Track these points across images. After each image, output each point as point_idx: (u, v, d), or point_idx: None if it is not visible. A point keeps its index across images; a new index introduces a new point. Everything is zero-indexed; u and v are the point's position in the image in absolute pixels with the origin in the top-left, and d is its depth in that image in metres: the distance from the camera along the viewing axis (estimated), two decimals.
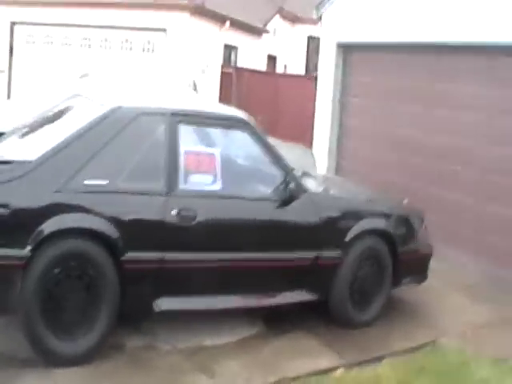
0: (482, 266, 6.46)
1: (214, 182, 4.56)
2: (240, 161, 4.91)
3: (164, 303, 4.38)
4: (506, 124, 6.42)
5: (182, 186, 4.42)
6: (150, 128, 4.44)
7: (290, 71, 23.67)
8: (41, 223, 3.93)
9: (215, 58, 17.23)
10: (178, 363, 4.38)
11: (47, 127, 4.73)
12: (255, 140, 4.81)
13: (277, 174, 4.83)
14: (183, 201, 4.39)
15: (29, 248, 3.89)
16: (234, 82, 16.97)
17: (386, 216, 5.32)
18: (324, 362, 4.63)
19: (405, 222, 5.45)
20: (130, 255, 4.19)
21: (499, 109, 6.48)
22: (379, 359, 4.74)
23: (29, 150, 4.32)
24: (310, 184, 5.09)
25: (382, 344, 4.99)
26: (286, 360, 4.59)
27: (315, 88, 9.29)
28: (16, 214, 3.92)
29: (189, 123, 4.56)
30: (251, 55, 19.89)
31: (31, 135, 4.74)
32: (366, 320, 5.20)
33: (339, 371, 4.51)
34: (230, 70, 17.58)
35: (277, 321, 5.09)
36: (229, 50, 18.62)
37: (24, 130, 4.86)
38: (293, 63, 24.91)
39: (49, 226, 3.94)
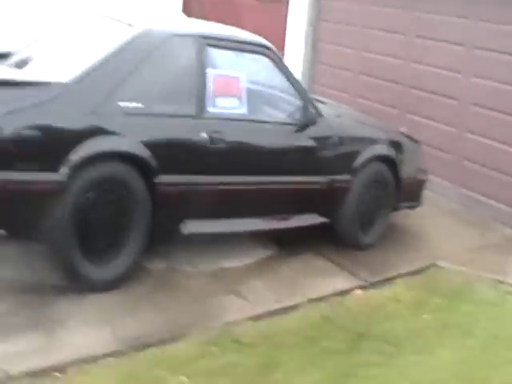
0: (464, 191, 6.72)
1: (240, 105, 4.53)
2: (262, 85, 4.86)
3: (191, 226, 4.37)
4: (485, 57, 6.59)
5: (210, 108, 4.36)
6: (180, 51, 4.32)
7: None
8: (76, 146, 3.77)
9: None
10: (204, 285, 4.43)
11: (70, 47, 4.47)
12: (276, 65, 4.80)
13: (296, 99, 4.87)
14: (212, 123, 4.34)
15: (64, 172, 3.73)
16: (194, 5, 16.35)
17: (390, 143, 5.46)
18: (341, 282, 4.79)
19: (405, 148, 5.59)
20: (163, 178, 4.12)
21: (480, 42, 6.61)
22: (389, 280, 4.95)
23: (56, 70, 4.07)
24: (324, 110, 5.10)
25: (388, 266, 5.18)
26: (305, 280, 4.73)
27: (285, 11, 9.13)
28: (51, 137, 3.74)
29: (216, 47, 4.47)
30: None
31: (51, 55, 4.46)
32: (370, 242, 5.39)
33: (358, 292, 4.70)
34: None
35: (288, 244, 5.17)
36: None
37: (39, 50, 4.57)
38: None
39: (84, 149, 3.79)
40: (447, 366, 3.79)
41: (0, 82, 3.69)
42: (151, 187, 4.09)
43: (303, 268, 4.93)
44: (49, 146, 3.74)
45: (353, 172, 5.11)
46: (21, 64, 4.35)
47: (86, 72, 3.91)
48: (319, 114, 4.91)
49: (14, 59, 4.51)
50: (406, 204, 5.70)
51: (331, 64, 8.52)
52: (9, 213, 3.70)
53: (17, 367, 3.23)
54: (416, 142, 5.82)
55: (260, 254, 4.99)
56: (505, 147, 6.43)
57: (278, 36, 8.96)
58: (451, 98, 6.89)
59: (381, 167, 5.33)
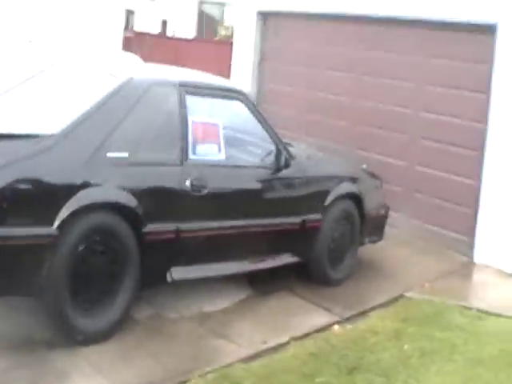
0: (416, 222, 7.04)
1: (218, 151, 4.64)
2: (238, 130, 4.99)
3: (177, 273, 4.42)
4: (434, 93, 7.00)
5: (192, 156, 4.46)
6: (161, 99, 4.41)
7: (179, 35, 23.14)
8: (68, 198, 3.78)
9: (116, 22, 16.52)
10: (192, 330, 4.47)
11: (50, 96, 4.47)
12: (250, 110, 4.96)
13: (269, 143, 5.03)
14: (194, 171, 4.43)
15: (57, 225, 3.72)
16: (135, 46, 16.50)
17: (356, 180, 5.70)
18: (318, 319, 4.92)
19: (369, 185, 5.85)
20: (150, 227, 4.16)
21: (428, 79, 7.03)
22: (363, 314, 5.13)
23: (41, 122, 4.07)
24: (295, 153, 5.28)
25: (359, 300, 5.36)
26: (284, 319, 4.84)
27: (224, 52, 9.38)
28: (44, 190, 3.74)
29: (194, 94, 4.58)
30: (146, 19, 19.39)
31: (30, 105, 4.43)
32: (340, 278, 5.57)
33: (336, 327, 4.84)
34: (131, 35, 17.22)
35: (260, 284, 5.28)
36: (127, 13, 18.15)
37: (14, 98, 4.54)
38: (183, 28, 24.30)
39: (77, 201, 3.80)
40: None
41: None
42: (139, 236, 4.12)
43: (280, 307, 5.04)
44: (41, 199, 3.74)
45: (323, 210, 5.30)
46: None
47: (73, 124, 3.93)
48: (292, 157, 5.08)
49: None
50: (370, 239, 5.93)
51: (278, 103, 8.77)
52: (1, 269, 3.65)
53: None
54: (377, 178, 6.07)
55: (236, 296, 5.08)
56: (452, 177, 6.83)
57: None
58: (401, 132, 7.28)
59: (348, 204, 5.55)
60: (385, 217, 6.06)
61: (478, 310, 5.32)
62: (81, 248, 3.87)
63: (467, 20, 6.44)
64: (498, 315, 5.26)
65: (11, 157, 3.64)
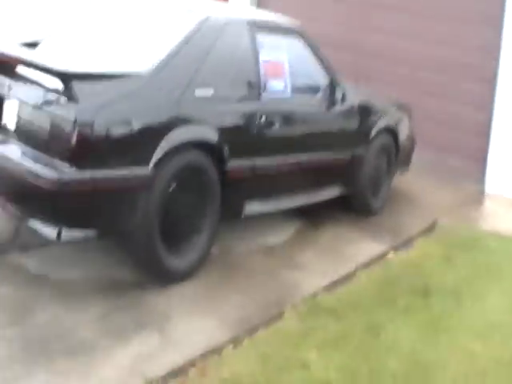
0: (427, 154, 7.28)
1: (285, 88, 4.70)
2: (299, 67, 4.97)
3: (252, 207, 4.54)
4: (438, 27, 7.17)
5: (264, 93, 4.50)
6: (236, 37, 4.40)
7: None
8: (162, 138, 3.76)
9: None
10: (264, 262, 4.60)
11: (126, 34, 4.34)
12: (310, 47, 5.02)
13: (327, 79, 5.11)
14: (267, 107, 4.49)
15: (152, 164, 3.72)
16: None
17: (393, 113, 5.87)
18: (373, 247, 5.12)
19: (401, 117, 6.02)
20: (232, 163, 4.22)
21: (433, 13, 7.18)
22: (409, 241, 5.38)
23: (128, 61, 3.95)
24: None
25: (401, 227, 5.60)
26: (343, 248, 5.03)
27: None
28: (139, 131, 3.68)
29: (262, 32, 4.58)
30: None
31: (108, 44, 4.27)
32: (379, 206, 5.81)
33: (391, 254, 5.09)
34: None
35: (309, 216, 5.44)
36: None
37: (87, 39, 4.39)
38: None
39: (170, 141, 3.79)
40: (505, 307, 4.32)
41: (80, 76, 3.58)
42: (221, 172, 4.18)
43: (334, 237, 5.23)
44: (136, 140, 3.70)
45: (368, 144, 5.49)
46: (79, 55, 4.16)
47: (162, 62, 3.87)
48: (346, 92, 5.18)
49: (57, 49, 4.31)
50: (402, 169, 6.15)
51: None
52: (100, 211, 3.65)
53: (150, 369, 3.23)
54: (407, 109, 6.22)
55: (291, 228, 5.23)
56: (463, 109, 7.08)
57: None
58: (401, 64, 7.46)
59: (387, 137, 5.74)
60: (412, 147, 6.29)
61: (509, 237, 5.69)
62: (172, 186, 3.90)
63: None
64: None
65: (106, 97, 3.57)
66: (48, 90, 3.53)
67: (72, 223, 3.58)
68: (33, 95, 3.61)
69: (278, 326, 3.81)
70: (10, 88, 3.77)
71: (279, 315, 3.93)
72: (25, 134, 3.67)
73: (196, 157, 3.99)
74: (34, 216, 3.63)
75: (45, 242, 4.17)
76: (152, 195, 3.76)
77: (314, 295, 4.22)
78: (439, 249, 5.20)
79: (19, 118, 3.70)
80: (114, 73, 3.75)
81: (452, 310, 4.22)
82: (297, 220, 5.39)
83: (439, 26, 7.18)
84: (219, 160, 4.14)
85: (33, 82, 3.62)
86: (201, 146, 4.00)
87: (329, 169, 5.18)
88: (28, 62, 3.68)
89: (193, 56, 4.04)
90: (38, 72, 3.58)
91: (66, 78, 3.47)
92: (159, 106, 3.82)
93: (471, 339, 3.87)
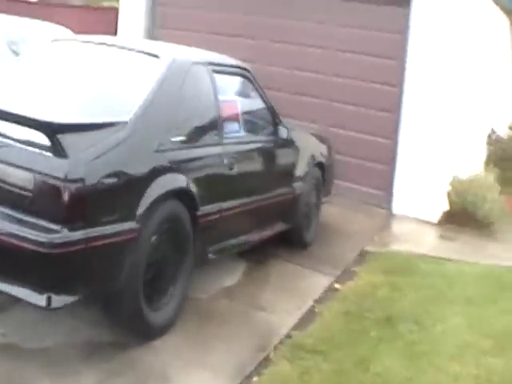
0: (336, 182, 7.55)
1: (240, 128, 4.66)
2: (249, 106, 4.98)
3: (215, 250, 4.43)
4: (346, 58, 7.52)
5: (225, 135, 4.43)
6: (199, 79, 4.29)
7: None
8: (146, 189, 3.57)
9: None
10: (229, 307, 4.50)
11: (90, 79, 4.05)
12: (255, 87, 5.02)
13: (270, 117, 5.16)
14: (228, 149, 4.43)
15: (138, 217, 3.50)
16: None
17: (319, 148, 6.06)
18: (319, 280, 5.23)
19: (325, 150, 6.20)
20: (202, 209, 4.10)
21: (340, 45, 7.52)
22: (347, 270, 5.56)
23: (103, 108, 3.70)
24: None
25: (336, 258, 5.76)
26: (293, 284, 5.08)
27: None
28: (126, 183, 3.48)
29: (218, 72, 4.51)
30: None
31: (68, 89, 3.95)
32: (312, 239, 5.92)
33: (337, 286, 5.21)
34: None
35: (250, 255, 5.37)
36: None
37: (43, 83, 4.04)
38: None
39: (153, 191, 3.60)
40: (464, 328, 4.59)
41: (65, 127, 3.26)
42: (193, 219, 4.05)
43: (281, 274, 5.26)
44: (124, 192, 3.49)
45: (303, 178, 5.60)
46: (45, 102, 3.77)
47: (141, 109, 3.67)
48: (288, 131, 5.23)
49: (21, 96, 3.92)
50: (325, 198, 6.32)
51: None
52: (91, 272, 3.37)
53: None
54: (326, 140, 6.37)
55: (239, 268, 5.16)
56: (362, 136, 7.46)
57: None
58: (315, 96, 7.69)
59: (317, 171, 5.92)
60: (333, 178, 6.50)
61: (434, 257, 6.07)
62: (154, 238, 3.70)
63: None
64: (449, 260, 6.06)
65: (94, 150, 3.30)
66: (27, 143, 3.23)
67: (62, 288, 3.25)
68: (6, 150, 3.29)
69: (272, 372, 3.76)
70: None
71: (266, 360, 3.89)
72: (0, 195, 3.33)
73: (174, 206, 3.83)
74: (17, 283, 3.25)
75: None
76: (138, 250, 3.55)
77: (289, 336, 4.22)
78: (380, 277, 5.40)
79: None
80: (98, 123, 3.47)
81: (420, 335, 4.41)
82: (240, 258, 5.35)
83: (348, 60, 7.52)
84: (191, 207, 4.01)
85: (5, 136, 3.31)
86: (178, 194, 3.85)
87: (277, 205, 5.20)
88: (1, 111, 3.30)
89: (166, 101, 3.89)
90: (10, 123, 3.25)
91: (50, 129, 3.16)
92: (142, 155, 3.64)
93: (448, 361, 4.08)
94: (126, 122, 3.56)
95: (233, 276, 5.02)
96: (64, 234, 3.14)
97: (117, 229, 3.40)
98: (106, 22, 9.79)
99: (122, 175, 3.46)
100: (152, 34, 8.63)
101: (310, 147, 5.74)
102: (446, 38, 6.86)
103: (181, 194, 3.89)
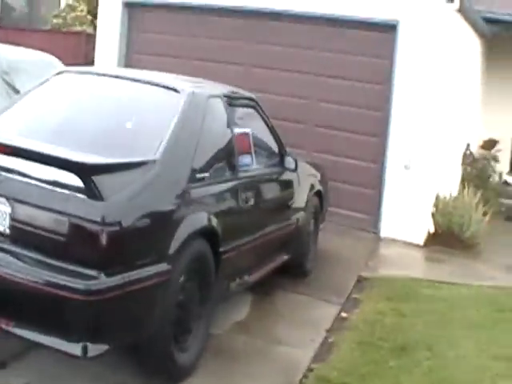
0: None
1: (251, 161, 4.62)
2: (259, 138, 4.91)
3: (235, 285, 4.41)
4: (329, 84, 7.60)
5: (240, 168, 4.39)
6: (215, 113, 4.23)
7: None
8: (176, 229, 3.50)
9: None
10: (248, 341, 4.45)
11: (108, 115, 3.96)
12: (263, 117, 5.02)
13: (279, 149, 5.17)
14: (243, 183, 4.40)
15: (170, 258, 3.43)
16: None
17: (316, 176, 6.07)
18: (327, 309, 5.24)
19: (321, 177, 6.20)
20: (224, 245, 4.04)
21: (322, 71, 7.60)
22: (350, 298, 5.59)
23: (126, 147, 3.64)
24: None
25: (337, 286, 5.79)
26: (302, 315, 5.06)
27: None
28: (159, 223, 3.41)
29: (231, 105, 4.47)
30: None
31: (84, 127, 3.82)
32: (312, 267, 5.91)
33: (344, 314, 5.22)
34: None
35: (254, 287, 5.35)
36: None
37: (57, 119, 3.92)
38: None
39: (183, 231, 3.53)
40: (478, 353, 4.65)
41: (97, 168, 3.18)
42: (216, 256, 3.98)
43: (289, 305, 5.24)
44: (159, 233, 3.41)
45: (305, 208, 5.61)
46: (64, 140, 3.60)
47: (169, 146, 3.60)
48: (296, 161, 5.21)
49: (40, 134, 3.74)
50: (322, 225, 6.34)
51: None
52: (127, 318, 3.28)
53: None
54: (322, 167, 6.40)
55: (246, 301, 5.10)
56: (349, 161, 7.54)
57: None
58: (299, 122, 7.73)
59: (316, 200, 5.95)
60: (329, 203, 6.52)
61: (429, 280, 6.17)
62: (182, 279, 3.62)
63: (368, 18, 7.14)
64: (445, 283, 6.15)
65: (127, 191, 3.22)
66: (56, 185, 3.12)
67: (98, 336, 3.14)
68: (35, 193, 3.17)
69: None
70: None
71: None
72: (26, 239, 3.21)
73: (200, 244, 3.76)
74: (48, 332, 3.12)
75: (15, 354, 3.71)
76: (169, 291, 3.47)
77: (311, 369, 4.19)
78: (383, 304, 5.46)
79: (15, 219, 3.22)
80: (128, 162, 3.38)
81: (435, 361, 4.44)
82: (246, 292, 5.26)
83: (334, 85, 7.60)
84: (214, 244, 3.94)
85: (32, 177, 3.19)
86: (204, 232, 3.78)
87: (283, 236, 5.20)
88: (25, 151, 3.21)
89: (189, 137, 3.82)
90: (37, 163, 3.16)
91: (84, 171, 3.08)
92: (173, 194, 3.57)
93: None
94: (155, 161, 3.48)
95: (242, 309, 4.97)
96: (102, 280, 3.05)
97: (151, 271, 3.32)
98: (75, 46, 9.64)
99: (155, 216, 3.39)
100: (127, 59, 8.54)
101: (308, 176, 5.76)
102: (428, 63, 7.04)
103: (206, 232, 3.83)
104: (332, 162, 7.52)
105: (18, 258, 3.17)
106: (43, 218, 3.15)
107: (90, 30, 11.44)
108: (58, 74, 4.37)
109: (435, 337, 4.85)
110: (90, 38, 10.11)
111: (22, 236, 3.22)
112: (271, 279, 5.50)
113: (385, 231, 7.38)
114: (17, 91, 5.34)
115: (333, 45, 7.52)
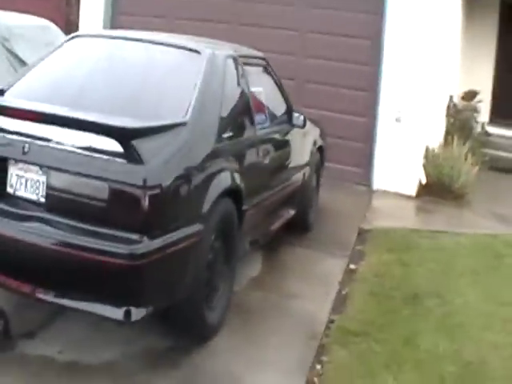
0: None
1: (265, 119, 4.66)
2: (271, 96, 4.95)
3: (252, 241, 4.50)
4: (315, 39, 7.60)
5: (257, 126, 4.43)
6: (234, 73, 4.23)
7: None
8: (208, 189, 3.53)
9: None
10: (264, 297, 4.55)
11: (132, 78, 3.92)
12: (274, 77, 5.04)
13: (288, 106, 5.21)
14: (260, 140, 4.46)
15: (202, 219, 3.47)
16: None
17: (317, 132, 6.11)
18: (335, 262, 5.37)
19: (319, 133, 6.26)
20: (246, 203, 4.11)
21: (308, 27, 7.59)
22: (354, 250, 5.73)
23: (153, 108, 3.63)
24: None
25: (341, 239, 5.92)
26: (312, 268, 5.20)
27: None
28: (194, 185, 3.43)
29: (247, 64, 4.48)
30: None
31: (114, 89, 3.81)
32: (313, 221, 6.02)
33: (352, 266, 5.36)
34: None
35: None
36: None
37: (85, 84, 3.87)
38: None
39: (213, 191, 3.57)
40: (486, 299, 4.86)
41: (134, 132, 3.18)
42: (239, 214, 4.04)
43: (297, 259, 5.37)
44: (194, 194, 3.45)
45: (309, 163, 5.68)
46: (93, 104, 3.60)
47: (197, 107, 3.61)
48: (304, 117, 5.23)
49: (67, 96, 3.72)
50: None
51: None
52: (167, 281, 3.34)
53: None
54: (320, 124, 6.41)
55: (256, 255, 5.18)
56: (340, 116, 7.61)
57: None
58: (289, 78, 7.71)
59: (318, 155, 6.07)
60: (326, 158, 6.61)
61: (426, 231, 6.35)
62: (212, 238, 3.68)
63: None
64: (441, 232, 6.35)
65: (164, 153, 3.25)
66: (94, 151, 3.12)
67: (141, 299, 3.19)
68: (71, 159, 3.17)
69: (332, 359, 3.85)
70: (24, 151, 3.26)
71: (321, 347, 3.99)
72: (63, 207, 3.21)
73: (227, 203, 3.81)
74: (90, 298, 3.16)
75: (42, 323, 3.76)
76: (201, 251, 3.53)
77: (331, 320, 4.33)
78: (387, 255, 5.61)
79: (51, 187, 3.23)
80: (162, 125, 3.38)
81: (446, 308, 4.64)
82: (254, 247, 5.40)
83: (323, 41, 7.62)
84: (239, 203, 4.00)
85: (66, 144, 3.19)
86: (229, 191, 3.82)
87: (292, 192, 5.28)
88: (59, 118, 3.19)
89: (213, 97, 3.83)
90: (73, 129, 3.15)
91: (124, 135, 3.08)
92: (203, 154, 3.59)
93: (481, 331, 4.33)
94: (186, 123, 3.50)
95: (254, 266, 5.07)
96: (146, 244, 3.09)
97: (186, 232, 3.37)
98: (53, 8, 9.38)
99: (189, 177, 3.42)
100: (113, 20, 8.36)
101: (311, 132, 5.81)
102: (416, 17, 7.11)
103: (232, 191, 3.87)
104: (324, 118, 7.55)
105: (56, 227, 3.17)
106: (82, 185, 3.16)
107: None
108: (70, 39, 4.29)
109: (442, 285, 5.04)
110: (70, 0, 9.84)
111: (59, 204, 3.23)
112: (277, 235, 5.62)
113: (377, 184, 7.52)
114: (18, 58, 5.24)
115: (321, 1, 7.51)
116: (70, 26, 8.85)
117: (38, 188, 3.28)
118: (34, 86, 3.94)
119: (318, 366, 3.78)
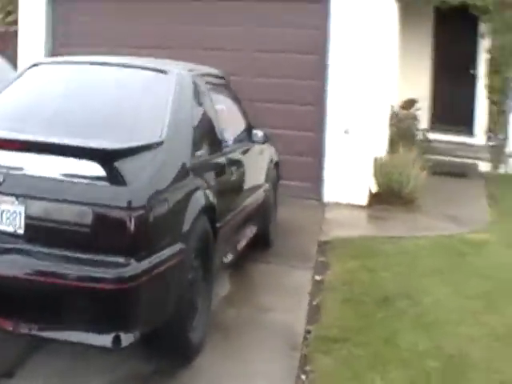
0: None
1: (230, 135, 4.68)
2: (231, 114, 5.00)
3: (227, 257, 4.54)
4: (262, 58, 7.73)
5: (223, 144, 4.46)
6: (200, 91, 4.26)
7: None
8: (187, 208, 3.54)
9: None
10: (239, 313, 4.56)
11: (98, 102, 3.89)
12: (232, 94, 5.12)
13: (247, 123, 5.28)
14: (227, 158, 4.48)
15: (183, 238, 3.47)
16: None
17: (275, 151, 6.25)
18: (300, 274, 5.42)
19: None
20: (220, 221, 4.12)
21: (256, 46, 7.71)
22: (318, 261, 5.80)
23: (126, 129, 3.62)
24: None
25: (302, 251, 5.98)
26: (281, 282, 5.23)
27: None
28: (175, 204, 3.44)
29: (209, 83, 4.53)
30: None
31: (85, 112, 3.78)
32: (273, 237, 6.05)
33: (318, 278, 5.43)
34: None
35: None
36: None
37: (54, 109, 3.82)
38: None
39: (192, 210, 3.58)
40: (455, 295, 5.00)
41: (119, 152, 3.17)
42: (214, 231, 4.04)
43: (264, 274, 5.41)
44: (176, 214, 3.45)
45: (267, 179, 5.77)
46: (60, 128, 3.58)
47: (171, 126, 3.62)
48: (264, 133, 5.34)
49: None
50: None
51: None
52: (153, 304, 3.30)
53: None
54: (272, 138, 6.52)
55: (223, 277, 5.12)
56: (288, 132, 7.70)
57: None
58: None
59: (275, 170, 6.15)
60: None
61: (383, 237, 6.49)
62: (192, 257, 3.67)
63: None
64: (398, 237, 6.51)
65: (146, 174, 3.25)
66: (73, 176, 3.08)
67: (130, 324, 3.13)
68: (49, 187, 3.11)
69: (316, 368, 3.86)
70: None
71: (303, 358, 4.01)
72: (44, 236, 3.14)
73: (204, 221, 3.81)
74: (74, 328, 3.09)
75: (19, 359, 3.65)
76: (183, 271, 3.51)
77: (309, 331, 4.36)
78: (351, 263, 5.70)
79: (29, 217, 3.14)
80: (139, 145, 3.35)
81: (418, 308, 4.75)
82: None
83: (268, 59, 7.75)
84: (212, 220, 4.00)
85: (44, 171, 3.13)
86: (206, 209, 3.82)
87: (256, 207, 5.32)
88: (35, 144, 3.14)
89: (184, 116, 3.86)
90: (49, 155, 3.12)
91: (105, 157, 3.06)
92: (181, 174, 3.61)
93: (456, 326, 4.46)
94: (162, 142, 3.50)
95: (223, 284, 5.02)
96: (133, 266, 3.05)
97: (170, 252, 3.36)
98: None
99: (170, 196, 3.41)
100: (54, 53, 8.25)
101: (267, 148, 5.88)
102: (358, 30, 7.34)
103: (207, 209, 3.87)
104: (273, 135, 7.65)
105: (38, 258, 3.10)
106: (63, 212, 3.10)
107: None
108: (32, 66, 4.24)
109: (410, 286, 5.15)
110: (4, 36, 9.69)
111: (40, 233, 3.16)
112: (241, 253, 5.66)
113: (328, 196, 7.63)
114: None
115: (265, 20, 7.65)
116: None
117: (14, 219, 3.21)
118: (0, 114, 3.88)
119: (303, 376, 3.80)
